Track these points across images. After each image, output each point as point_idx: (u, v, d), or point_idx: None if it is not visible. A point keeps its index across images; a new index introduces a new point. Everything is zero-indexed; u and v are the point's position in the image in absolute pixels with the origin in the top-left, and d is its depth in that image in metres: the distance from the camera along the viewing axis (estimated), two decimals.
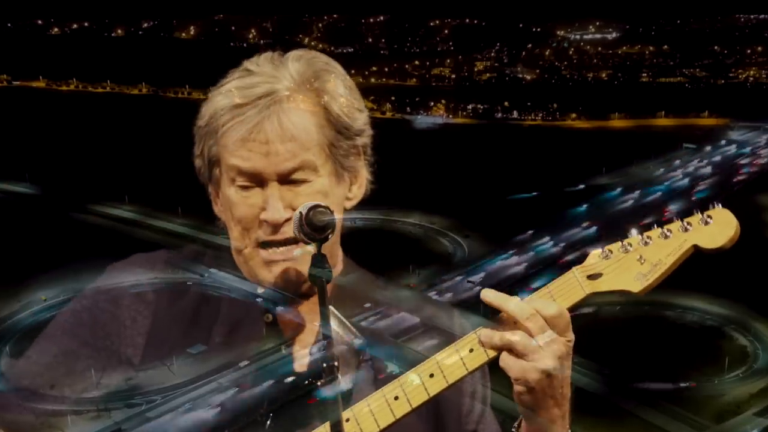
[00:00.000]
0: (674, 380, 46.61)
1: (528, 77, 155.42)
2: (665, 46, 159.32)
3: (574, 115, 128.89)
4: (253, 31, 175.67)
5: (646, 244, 1.86)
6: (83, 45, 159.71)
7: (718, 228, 1.82)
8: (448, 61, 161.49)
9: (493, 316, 1.87)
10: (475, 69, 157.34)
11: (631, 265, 1.86)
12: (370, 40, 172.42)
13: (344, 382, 1.85)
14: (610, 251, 1.88)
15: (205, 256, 2.13)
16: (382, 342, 2.01)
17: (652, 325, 52.78)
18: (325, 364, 1.79)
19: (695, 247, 1.83)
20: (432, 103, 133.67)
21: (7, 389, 2.00)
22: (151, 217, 70.11)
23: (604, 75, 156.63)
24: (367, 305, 2.06)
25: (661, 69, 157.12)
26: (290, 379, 1.94)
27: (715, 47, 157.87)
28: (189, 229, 63.08)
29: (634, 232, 1.89)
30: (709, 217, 1.84)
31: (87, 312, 2.07)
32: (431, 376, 1.84)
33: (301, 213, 1.79)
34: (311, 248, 1.79)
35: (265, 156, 1.90)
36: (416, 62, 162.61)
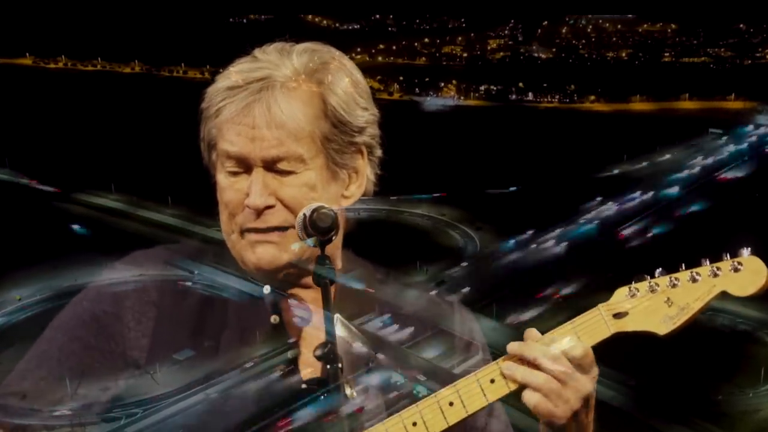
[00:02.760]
0: (704, 392, 44.96)
1: (544, 56, 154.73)
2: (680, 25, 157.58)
3: (592, 98, 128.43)
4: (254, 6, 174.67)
5: (674, 286, 1.92)
6: (73, 19, 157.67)
7: (748, 276, 1.88)
8: (460, 38, 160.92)
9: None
10: (488, 47, 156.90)
11: (658, 306, 1.93)
12: (377, 15, 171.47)
13: (349, 389, 1.95)
14: (637, 290, 1.94)
15: (207, 253, 2.17)
16: (388, 348, 2.07)
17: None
18: (329, 366, 1.89)
19: (723, 293, 1.90)
20: (442, 84, 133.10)
21: (8, 394, 2.05)
22: (139, 208, 68.82)
23: (624, 54, 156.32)
24: (369, 306, 2.12)
25: (684, 48, 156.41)
26: (296, 385, 2.02)
27: (741, 25, 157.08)
28: (179, 220, 62.04)
29: (660, 272, 1.94)
30: (739, 263, 1.89)
31: (89, 314, 2.10)
32: (451, 404, 1.92)
33: (304, 215, 1.89)
34: (305, 243, 1.90)
35: (251, 141, 1.97)
36: (426, 40, 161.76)
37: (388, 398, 2.00)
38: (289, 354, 2.06)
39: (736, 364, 48.44)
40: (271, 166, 1.98)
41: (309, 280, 1.96)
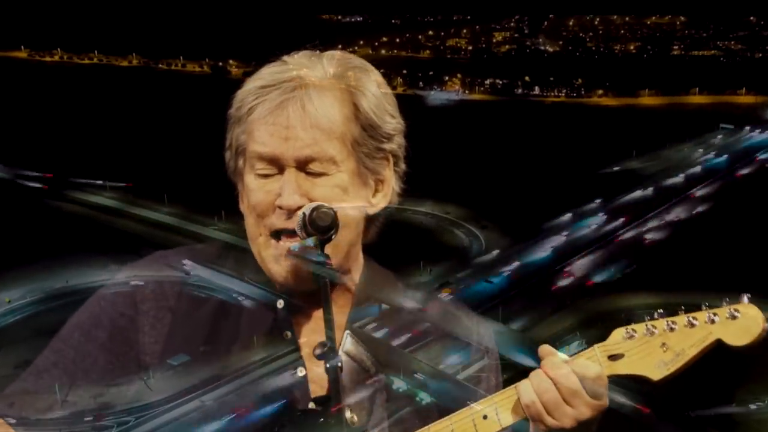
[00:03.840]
0: (718, 400, 44.08)
1: (550, 49, 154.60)
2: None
3: (600, 92, 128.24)
4: None
5: (671, 330, 1.94)
6: (69, 11, 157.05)
7: (744, 324, 1.90)
8: (465, 31, 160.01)
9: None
10: (494, 40, 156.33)
11: (653, 350, 1.95)
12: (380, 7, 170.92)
13: (350, 413, 2.01)
14: (635, 331, 1.96)
15: (228, 259, 2.21)
16: (395, 354, 2.12)
17: None
18: (328, 365, 1.92)
19: (719, 341, 1.92)
20: (447, 78, 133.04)
21: (23, 393, 2.10)
22: (134, 206, 67.96)
23: (632, 47, 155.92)
24: (386, 321, 2.17)
25: (693, 41, 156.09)
26: (304, 404, 2.06)
27: (751, 18, 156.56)
28: (175, 219, 60.86)
29: (659, 313, 1.97)
30: (736, 311, 1.90)
31: (106, 315, 2.15)
32: (485, 417, 1.97)
33: (304, 213, 1.92)
34: (305, 244, 1.93)
35: (284, 140, 2.01)
36: (430, 32, 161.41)
37: (391, 410, 2.06)
38: (298, 372, 2.08)
39: (750, 370, 46.58)
40: (303, 166, 2.00)
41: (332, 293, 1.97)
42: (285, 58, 2.08)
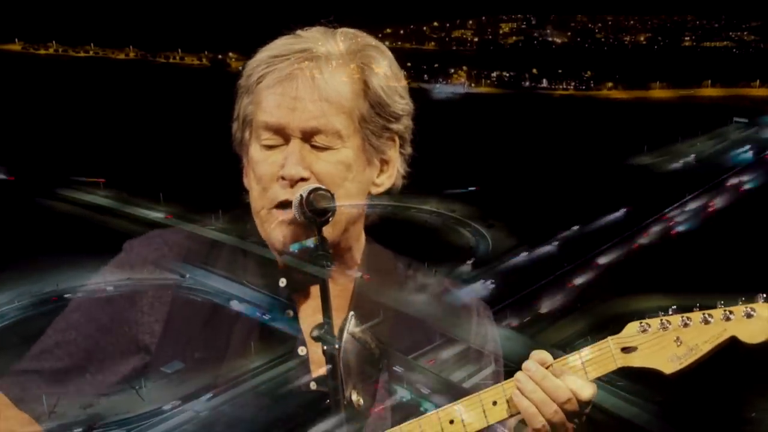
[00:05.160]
0: (736, 408, 44.22)
1: (559, 41, 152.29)
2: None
3: (610, 84, 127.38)
4: None
5: (685, 325, 2.06)
6: (64, 3, 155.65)
7: (759, 323, 2.02)
8: (471, 22, 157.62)
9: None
10: (500, 31, 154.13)
11: (667, 344, 2.07)
12: None
13: (356, 395, 2.06)
14: (648, 325, 2.08)
15: (224, 249, 2.27)
16: (398, 359, 2.19)
17: None
18: (325, 347, 1.99)
19: (733, 338, 2.05)
20: (452, 70, 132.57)
21: (26, 371, 2.18)
22: (129, 205, 67.16)
23: (642, 39, 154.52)
24: (386, 307, 2.24)
25: (705, 32, 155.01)
26: (305, 386, 2.14)
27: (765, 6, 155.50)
28: (172, 218, 57.87)
29: (674, 309, 2.10)
30: (752, 309, 2.04)
31: (104, 295, 2.28)
32: (451, 422, 2.04)
33: (301, 195, 2.01)
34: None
35: (291, 111, 2.10)
36: (434, 23, 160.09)
37: (394, 404, 2.12)
38: (299, 351, 2.13)
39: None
40: (308, 138, 2.06)
41: (332, 272, 1.98)
42: (299, 31, 2.15)
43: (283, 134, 2.06)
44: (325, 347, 1.93)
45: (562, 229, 62.82)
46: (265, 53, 2.12)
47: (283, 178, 2.05)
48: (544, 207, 65.05)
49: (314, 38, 2.11)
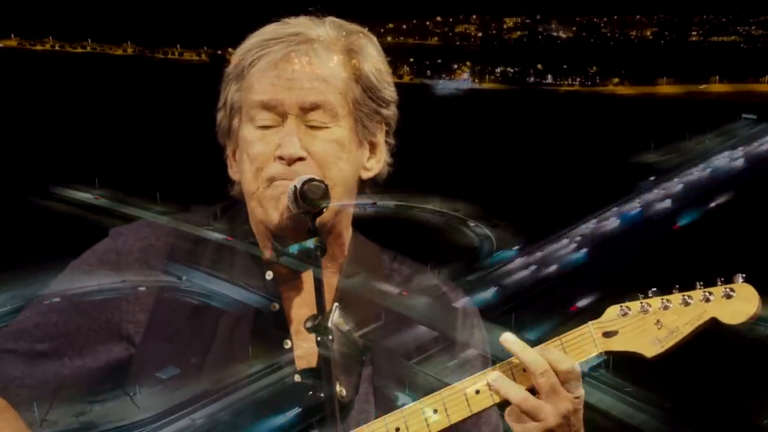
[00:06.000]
0: (748, 415, 42.64)
1: (564, 36, 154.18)
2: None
3: (616, 80, 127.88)
4: None
5: (665, 308, 2.02)
6: None
7: (739, 303, 1.99)
8: (474, 17, 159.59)
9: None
10: (504, 26, 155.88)
11: (648, 327, 2.03)
12: None
13: (339, 386, 2.06)
14: (629, 309, 2.03)
15: (209, 243, 2.25)
16: (382, 354, 2.19)
17: (717, 342, 48.82)
18: (319, 338, 1.97)
19: (714, 319, 2.01)
20: (455, 66, 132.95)
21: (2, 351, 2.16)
22: (124, 204, 66.98)
23: (648, 33, 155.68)
24: (372, 303, 2.24)
25: (712, 26, 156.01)
26: (290, 378, 2.14)
27: None
28: (168, 219, 59.35)
29: (654, 292, 2.05)
30: (731, 290, 2.00)
31: (87, 279, 2.21)
32: (435, 411, 2.04)
33: (295, 186, 1.97)
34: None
35: (288, 90, 2.08)
36: (438, 18, 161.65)
37: (378, 396, 2.14)
38: (284, 345, 2.12)
39: None
40: (305, 114, 2.06)
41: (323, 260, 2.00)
42: (286, 19, 2.14)
43: (279, 112, 2.04)
44: (318, 338, 1.92)
45: (567, 227, 62.72)
46: (255, 38, 2.10)
47: (281, 158, 2.02)
48: (548, 206, 64.61)
49: (304, 24, 2.12)
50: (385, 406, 2.12)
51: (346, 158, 2.06)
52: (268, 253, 2.14)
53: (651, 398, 40.79)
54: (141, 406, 1.98)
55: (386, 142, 2.19)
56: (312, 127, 2.04)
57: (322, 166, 2.03)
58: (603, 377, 41.54)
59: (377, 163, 2.18)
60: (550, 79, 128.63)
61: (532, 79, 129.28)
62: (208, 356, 2.11)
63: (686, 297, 1.97)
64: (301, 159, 2.02)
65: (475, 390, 1.99)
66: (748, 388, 44.75)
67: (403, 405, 2.02)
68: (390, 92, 2.17)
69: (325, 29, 2.11)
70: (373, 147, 2.17)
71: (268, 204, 2.05)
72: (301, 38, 2.07)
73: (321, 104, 2.03)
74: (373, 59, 2.15)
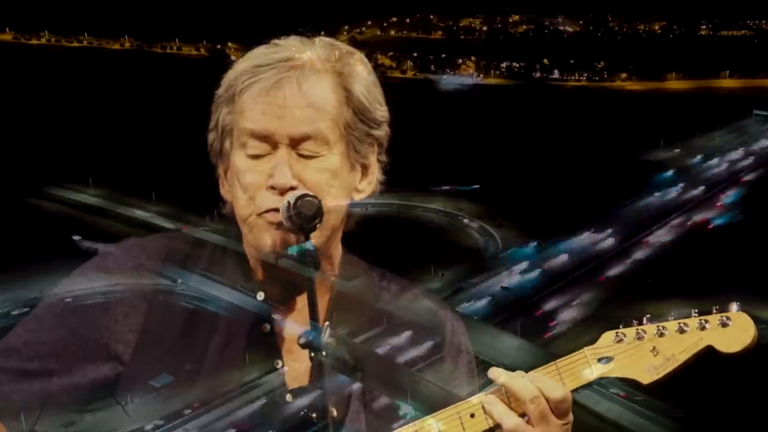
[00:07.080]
0: (764, 425, 41.37)
1: (570, 30, 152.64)
2: None
3: (624, 75, 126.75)
4: None
5: (661, 335, 2.06)
6: None
7: (735, 332, 2.03)
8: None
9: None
10: (510, 20, 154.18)
11: (643, 354, 2.07)
12: None
13: (330, 406, 2.13)
14: (624, 335, 2.08)
15: (205, 250, 2.30)
16: (376, 363, 2.23)
17: None
18: (312, 355, 2.04)
19: (710, 347, 2.05)
20: (460, 61, 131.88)
21: None
22: (120, 204, 66.97)
23: (657, 27, 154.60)
24: (364, 318, 2.29)
25: (722, 20, 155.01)
26: (281, 398, 2.18)
27: None
28: (164, 218, 59.78)
29: (648, 318, 2.09)
30: (727, 318, 2.03)
31: (77, 299, 2.25)
32: None
33: (289, 202, 2.02)
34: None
35: (278, 118, 2.11)
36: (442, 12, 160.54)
37: (370, 415, 2.20)
38: (276, 365, 2.15)
39: None
40: (296, 145, 2.09)
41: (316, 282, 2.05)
42: (275, 41, 2.16)
43: (270, 142, 2.07)
44: (312, 354, 1.98)
45: (574, 229, 62.10)
46: (245, 63, 2.12)
47: (272, 187, 2.06)
48: (554, 205, 64.24)
49: (294, 46, 2.15)
50: (376, 424, 2.15)
51: (338, 185, 2.09)
52: (259, 274, 2.15)
53: (662, 407, 40.61)
54: (132, 415, 1.98)
55: (378, 160, 2.21)
56: (304, 156, 2.06)
57: (315, 194, 2.02)
58: (612, 386, 40.95)
59: (369, 185, 2.20)
60: (556, 74, 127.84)
61: (538, 74, 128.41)
62: (198, 377, 2.12)
63: (682, 325, 1.99)
64: (293, 188, 2.03)
65: (470, 413, 2.02)
66: (761, 399, 44.32)
67: (394, 422, 2.03)
68: (381, 113, 2.19)
69: (315, 51, 2.11)
70: (365, 168, 2.19)
71: (260, 233, 2.08)
72: (291, 64, 2.07)
73: (312, 134, 2.05)
74: (364, 80, 2.16)
